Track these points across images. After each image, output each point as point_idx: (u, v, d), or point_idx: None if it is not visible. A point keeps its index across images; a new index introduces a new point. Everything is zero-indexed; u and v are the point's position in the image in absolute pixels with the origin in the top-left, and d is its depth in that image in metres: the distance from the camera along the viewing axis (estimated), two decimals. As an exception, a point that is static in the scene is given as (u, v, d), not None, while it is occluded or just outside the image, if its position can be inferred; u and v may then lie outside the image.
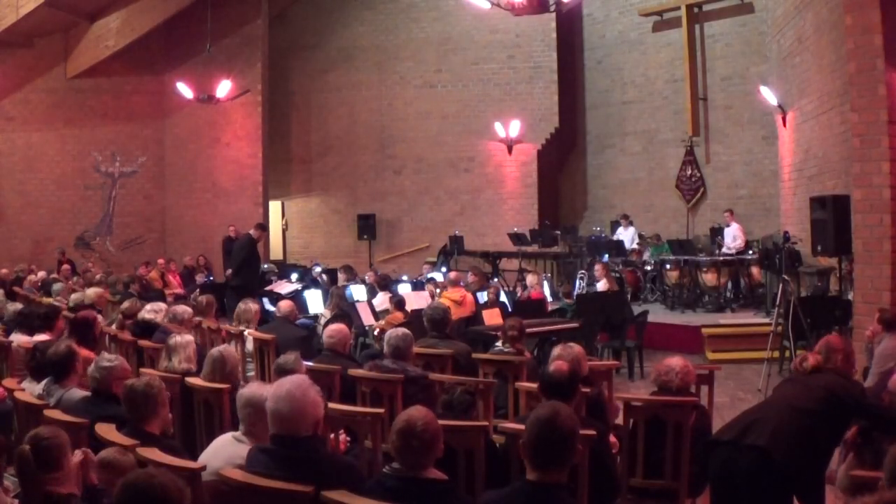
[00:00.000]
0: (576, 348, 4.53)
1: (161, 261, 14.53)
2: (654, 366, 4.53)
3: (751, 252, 12.19)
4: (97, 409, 3.92)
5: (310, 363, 5.25)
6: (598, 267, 11.11)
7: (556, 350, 4.52)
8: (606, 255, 13.15)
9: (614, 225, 14.89)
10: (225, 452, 3.39)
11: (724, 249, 12.25)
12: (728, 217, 12.88)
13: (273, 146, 16.35)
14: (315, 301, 10.24)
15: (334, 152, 16.97)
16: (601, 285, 10.71)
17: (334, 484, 2.90)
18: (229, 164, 15.59)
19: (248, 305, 7.33)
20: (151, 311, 6.97)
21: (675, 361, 4.36)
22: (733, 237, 12.53)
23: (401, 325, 7.97)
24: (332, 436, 4.09)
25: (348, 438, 4.31)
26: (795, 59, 11.77)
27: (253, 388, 3.54)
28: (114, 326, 7.35)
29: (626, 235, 14.14)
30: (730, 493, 3.75)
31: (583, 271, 12.75)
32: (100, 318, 7.39)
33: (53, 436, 3.02)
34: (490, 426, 4.45)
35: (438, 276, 11.77)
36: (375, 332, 8.35)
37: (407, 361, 5.13)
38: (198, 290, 12.21)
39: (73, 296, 8.96)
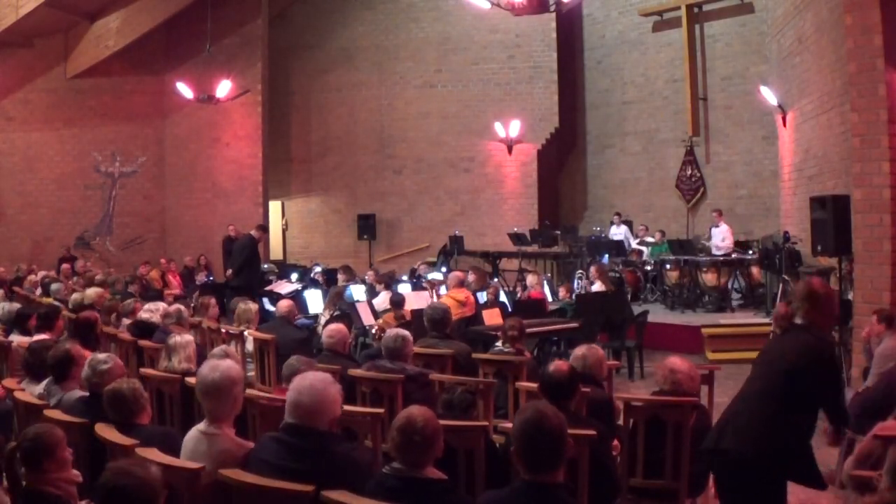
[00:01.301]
0: (599, 351, 4.57)
1: (163, 261, 14.55)
2: (657, 366, 4.53)
3: (751, 252, 12.18)
4: (98, 410, 3.92)
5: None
6: (592, 269, 11.06)
7: (581, 350, 4.54)
8: (606, 255, 13.16)
9: (613, 225, 14.91)
10: (199, 450, 3.34)
11: (714, 251, 12.22)
12: (717, 217, 12.77)
13: (273, 146, 16.35)
14: (315, 301, 10.24)
15: (334, 152, 16.97)
16: (596, 287, 10.68)
17: (341, 477, 2.92)
18: (229, 164, 15.59)
19: (248, 305, 7.34)
20: (147, 311, 6.97)
21: (682, 363, 4.36)
22: (722, 238, 12.42)
23: (401, 325, 7.98)
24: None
25: None
26: (795, 59, 11.77)
27: (202, 370, 3.51)
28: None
29: (619, 233, 14.17)
30: (726, 496, 3.73)
31: (580, 271, 12.75)
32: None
33: (39, 434, 3.01)
34: (490, 426, 4.45)
35: (439, 276, 11.76)
36: (373, 332, 8.36)
37: (404, 361, 5.14)
38: (198, 290, 12.21)
39: (74, 296, 8.96)
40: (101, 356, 4.32)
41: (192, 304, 8.55)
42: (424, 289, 10.44)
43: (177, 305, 7.15)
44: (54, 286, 10.11)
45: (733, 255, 12.06)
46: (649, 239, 14.02)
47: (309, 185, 17.21)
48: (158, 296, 10.86)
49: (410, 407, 3.02)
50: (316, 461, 3.02)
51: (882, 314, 5.88)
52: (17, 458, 3.01)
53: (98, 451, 3.52)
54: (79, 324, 6.31)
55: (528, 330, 6.69)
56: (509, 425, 3.81)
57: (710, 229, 12.91)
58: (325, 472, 2.95)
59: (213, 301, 7.95)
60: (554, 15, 14.66)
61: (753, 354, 9.05)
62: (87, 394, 4.21)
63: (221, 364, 3.52)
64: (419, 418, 2.88)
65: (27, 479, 2.95)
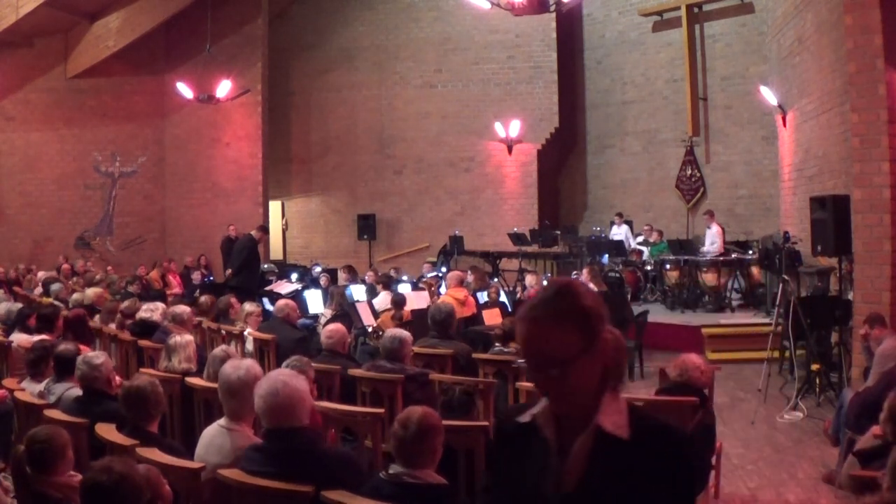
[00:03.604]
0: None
1: (165, 263, 14.57)
2: (674, 362, 4.57)
3: (751, 252, 12.19)
4: (94, 408, 3.93)
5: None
6: (584, 271, 11.00)
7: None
8: (606, 256, 13.15)
9: (613, 225, 14.92)
10: (215, 444, 3.39)
11: (707, 252, 12.22)
12: (707, 219, 12.84)
13: (273, 146, 16.35)
14: (315, 301, 10.23)
15: (334, 152, 16.97)
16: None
17: (333, 476, 2.90)
18: (229, 164, 15.59)
19: (255, 307, 7.38)
20: (147, 310, 6.98)
21: (696, 357, 4.52)
22: (711, 241, 12.45)
23: (399, 325, 7.98)
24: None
25: None
26: (795, 59, 11.76)
27: (225, 369, 3.53)
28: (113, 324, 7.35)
29: (620, 233, 14.17)
30: None
31: (576, 272, 12.74)
32: (97, 317, 7.42)
33: (49, 437, 3.01)
34: (490, 426, 4.44)
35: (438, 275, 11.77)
36: (370, 331, 8.38)
37: (403, 362, 5.13)
38: (198, 290, 12.21)
39: (74, 296, 8.97)
40: (92, 353, 4.36)
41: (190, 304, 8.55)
42: (423, 289, 10.44)
43: (180, 306, 7.16)
44: (54, 286, 10.12)
45: (733, 256, 12.06)
46: (650, 238, 14.02)
47: (309, 185, 17.21)
48: (160, 296, 10.86)
49: (413, 406, 3.02)
50: (301, 462, 2.99)
51: (871, 318, 5.93)
52: (24, 460, 3.01)
53: (98, 452, 3.52)
54: (70, 322, 6.34)
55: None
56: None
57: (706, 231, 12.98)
58: (314, 471, 2.92)
59: (213, 300, 7.97)
60: (554, 15, 14.67)
61: (753, 354, 9.11)
62: (81, 392, 4.23)
63: (243, 364, 3.57)
64: (417, 412, 2.89)
65: (33, 481, 2.96)
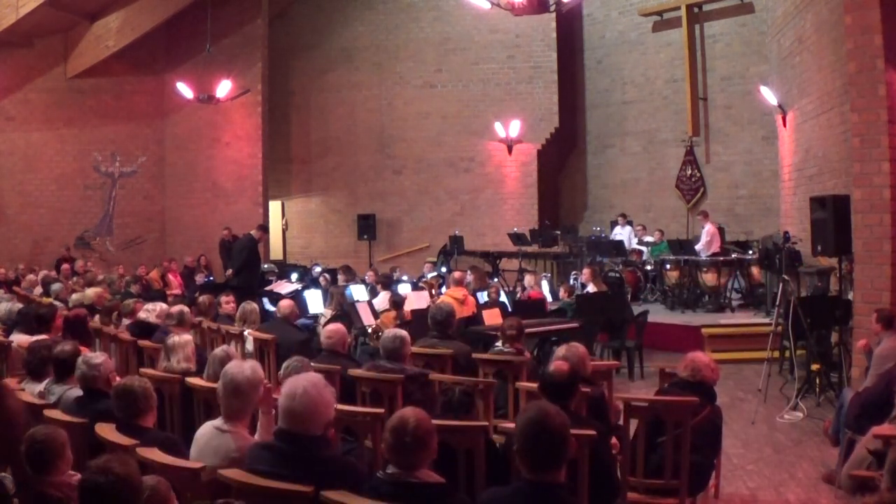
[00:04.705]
0: (580, 348, 4.56)
1: (165, 263, 14.57)
2: (683, 360, 4.64)
3: (751, 252, 12.19)
4: (93, 407, 3.94)
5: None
6: (585, 271, 10.98)
7: (561, 350, 4.54)
8: (606, 256, 13.15)
9: (614, 225, 14.92)
10: (211, 446, 3.38)
11: (702, 252, 12.22)
12: (701, 219, 12.89)
13: (273, 146, 16.35)
14: (315, 301, 10.23)
15: (334, 152, 16.97)
16: (589, 289, 10.61)
17: (335, 484, 2.90)
18: (229, 164, 15.59)
19: (252, 306, 7.36)
20: (145, 311, 6.98)
21: (704, 355, 4.63)
22: (704, 240, 12.46)
23: (401, 325, 7.98)
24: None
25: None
26: (795, 59, 11.77)
27: (231, 369, 3.53)
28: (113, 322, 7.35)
29: (624, 234, 14.17)
30: None
31: (576, 272, 12.74)
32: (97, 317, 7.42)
33: (47, 437, 3.02)
34: (490, 426, 4.44)
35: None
36: (370, 331, 8.38)
37: (402, 362, 5.13)
38: (198, 290, 12.21)
39: (74, 296, 8.97)
40: (91, 353, 4.37)
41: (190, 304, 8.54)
42: (423, 288, 10.44)
43: (179, 306, 7.15)
44: (54, 286, 10.12)
45: (733, 256, 12.05)
46: (648, 238, 14.02)
47: (309, 185, 17.21)
48: (160, 296, 10.86)
49: (404, 408, 3.02)
50: (309, 466, 2.99)
51: (882, 314, 5.90)
52: (23, 460, 3.01)
53: (97, 451, 3.52)
54: (70, 322, 6.34)
55: (528, 330, 6.69)
56: (509, 425, 3.81)
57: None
58: (319, 476, 2.92)
59: (213, 300, 7.96)
60: (554, 15, 14.67)
61: (753, 354, 9.13)
62: (81, 392, 4.23)
63: (247, 364, 3.58)
64: (411, 419, 2.87)
65: (32, 481, 2.96)
